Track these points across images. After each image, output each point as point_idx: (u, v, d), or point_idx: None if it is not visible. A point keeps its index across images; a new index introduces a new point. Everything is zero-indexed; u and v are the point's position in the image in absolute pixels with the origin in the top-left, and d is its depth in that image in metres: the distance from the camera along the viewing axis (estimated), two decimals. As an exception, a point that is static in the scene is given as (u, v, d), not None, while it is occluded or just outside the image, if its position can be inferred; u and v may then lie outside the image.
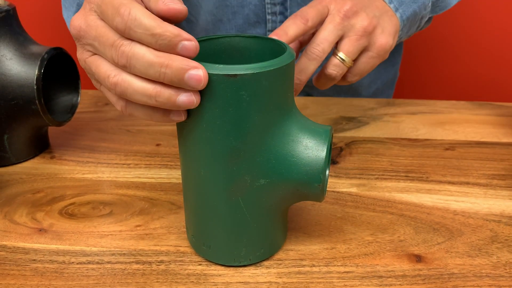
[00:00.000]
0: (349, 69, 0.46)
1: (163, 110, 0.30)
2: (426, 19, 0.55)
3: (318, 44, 0.43)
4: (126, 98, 0.31)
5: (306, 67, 0.43)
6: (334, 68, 0.45)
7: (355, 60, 0.46)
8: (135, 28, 0.28)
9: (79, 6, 0.53)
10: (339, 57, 0.44)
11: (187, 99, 0.29)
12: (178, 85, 0.28)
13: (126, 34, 0.28)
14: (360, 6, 0.45)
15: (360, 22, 0.44)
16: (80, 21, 0.31)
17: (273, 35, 0.42)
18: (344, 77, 0.47)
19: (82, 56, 0.33)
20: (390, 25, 0.46)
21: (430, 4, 0.53)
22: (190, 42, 0.27)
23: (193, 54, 0.28)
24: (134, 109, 0.31)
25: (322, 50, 0.43)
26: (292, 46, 0.47)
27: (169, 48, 0.28)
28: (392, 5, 0.48)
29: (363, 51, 0.46)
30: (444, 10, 0.57)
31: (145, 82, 0.29)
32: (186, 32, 0.28)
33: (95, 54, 0.31)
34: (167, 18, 0.29)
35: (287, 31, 0.43)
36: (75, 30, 0.32)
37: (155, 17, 0.28)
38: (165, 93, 0.29)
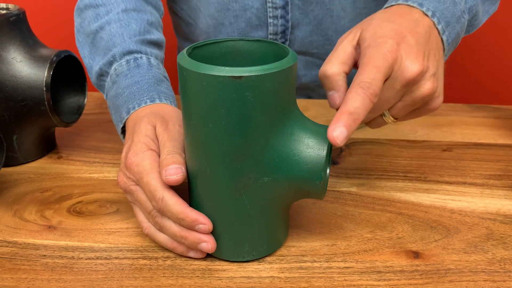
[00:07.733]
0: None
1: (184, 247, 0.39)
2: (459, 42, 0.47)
3: (378, 108, 0.39)
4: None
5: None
6: (377, 125, 0.43)
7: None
8: (166, 211, 0.37)
9: (92, 45, 0.53)
10: (386, 117, 0.41)
11: (199, 253, 0.39)
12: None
13: (160, 212, 0.38)
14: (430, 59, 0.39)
15: (421, 89, 0.39)
16: (122, 183, 0.40)
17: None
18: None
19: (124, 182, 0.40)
20: (442, 73, 0.41)
21: (466, 23, 0.46)
22: (204, 226, 0.37)
23: (206, 232, 0.37)
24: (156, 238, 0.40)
25: (378, 112, 0.40)
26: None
27: (189, 227, 0.37)
28: (440, 26, 0.41)
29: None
30: (475, 29, 0.50)
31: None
32: (203, 216, 0.37)
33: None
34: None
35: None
36: (120, 185, 0.41)
37: (181, 203, 0.37)
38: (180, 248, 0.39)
